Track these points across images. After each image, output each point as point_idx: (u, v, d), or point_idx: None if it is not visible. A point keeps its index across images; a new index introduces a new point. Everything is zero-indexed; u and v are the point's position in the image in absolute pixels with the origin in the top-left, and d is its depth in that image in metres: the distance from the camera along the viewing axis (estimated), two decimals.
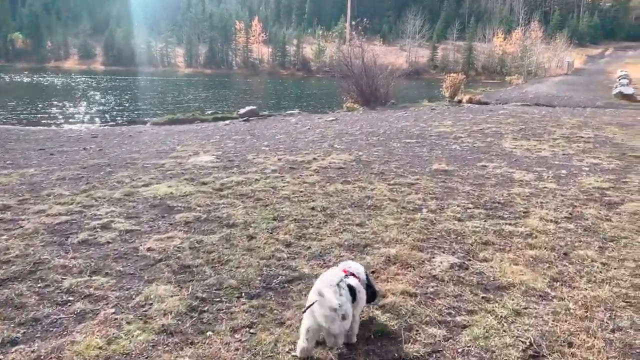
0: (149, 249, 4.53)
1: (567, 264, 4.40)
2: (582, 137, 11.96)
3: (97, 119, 21.10)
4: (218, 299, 3.66)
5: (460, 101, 27.80)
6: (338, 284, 2.96)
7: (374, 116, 17.52)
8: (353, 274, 3.20)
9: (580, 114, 18.39)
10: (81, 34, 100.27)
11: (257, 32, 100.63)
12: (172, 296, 3.67)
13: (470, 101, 27.26)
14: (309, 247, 4.66)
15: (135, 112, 23.58)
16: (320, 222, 5.38)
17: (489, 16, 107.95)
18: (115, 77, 48.97)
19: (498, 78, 50.78)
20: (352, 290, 3.04)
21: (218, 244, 4.68)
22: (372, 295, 3.29)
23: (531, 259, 4.47)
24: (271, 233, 5.00)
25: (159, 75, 53.78)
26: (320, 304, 2.83)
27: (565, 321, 3.41)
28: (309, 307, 2.90)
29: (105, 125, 18.53)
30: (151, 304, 3.57)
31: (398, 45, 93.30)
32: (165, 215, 5.56)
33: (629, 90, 28.87)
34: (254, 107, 19.09)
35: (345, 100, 23.68)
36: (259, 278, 3.98)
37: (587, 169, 8.39)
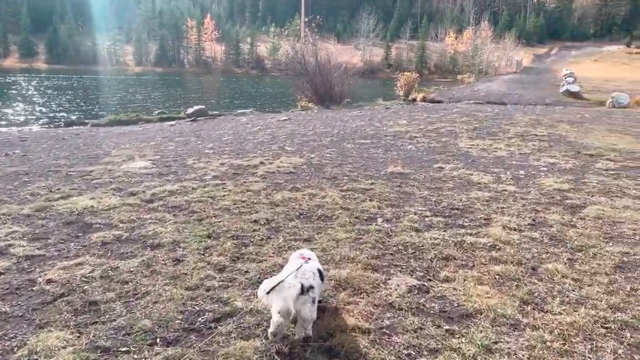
0: (48, 281, 3.72)
1: (536, 281, 3.91)
2: (536, 135, 11.81)
3: (32, 121, 19.51)
4: (125, 348, 2.92)
5: (414, 100, 27.74)
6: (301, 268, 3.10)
7: (328, 115, 16.96)
8: (310, 259, 3.35)
9: (532, 111, 18.51)
10: (22, 31, 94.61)
11: (210, 30, 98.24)
12: (65, 347, 2.90)
13: (424, 100, 27.23)
14: (246, 272, 3.97)
15: (77, 113, 22.06)
16: (262, 239, 4.70)
17: (441, 16, 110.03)
18: (59, 75, 46.32)
19: (450, 77, 51.51)
20: (320, 273, 3.23)
21: (136, 271, 3.92)
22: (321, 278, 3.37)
23: (497, 277, 3.96)
24: (203, 254, 4.28)
25: (107, 74, 51.35)
26: (289, 286, 2.90)
27: (543, 358, 2.89)
28: (274, 287, 2.90)
29: (41, 127, 17.08)
30: None
31: (352, 44, 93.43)
32: (80, 235, 4.73)
33: (574, 88, 29.65)
34: (202, 106, 18.13)
35: (300, 99, 23.05)
36: (180, 317, 3.26)
37: (544, 169, 8.09)
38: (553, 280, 3.93)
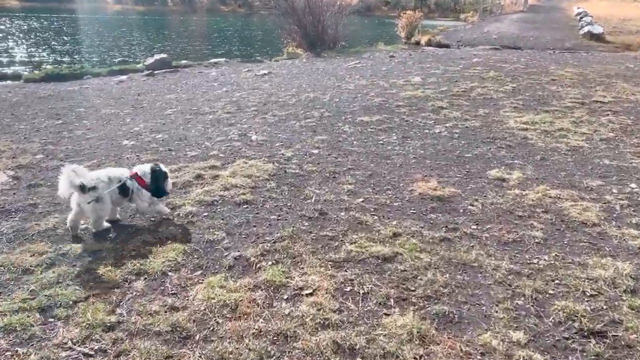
0: None
1: None
2: (602, 103, 8.29)
3: None
4: None
5: (418, 43, 23.57)
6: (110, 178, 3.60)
7: (319, 68, 13.17)
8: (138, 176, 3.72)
9: (563, 60, 14.74)
10: None
11: None
12: None
13: (429, 43, 23.01)
14: None
15: (23, 62, 17.98)
16: None
17: None
18: (29, 15, 40.94)
19: (452, 15, 46.31)
20: (124, 189, 3.64)
21: None
22: (157, 190, 3.79)
23: None
24: None
25: (84, 13, 45.74)
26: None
27: None
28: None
29: None
30: None
31: None
32: None
33: (597, 30, 25.45)
34: (165, 55, 14.23)
35: (287, 44, 18.96)
36: None
37: None
38: None
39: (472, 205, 4.09)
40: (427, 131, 6.41)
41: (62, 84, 11.57)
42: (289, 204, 4.03)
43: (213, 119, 7.03)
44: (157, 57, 14.27)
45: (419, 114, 7.30)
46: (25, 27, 30.06)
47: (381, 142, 5.92)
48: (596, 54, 18.65)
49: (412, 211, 3.97)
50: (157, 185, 3.76)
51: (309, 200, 4.10)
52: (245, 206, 3.93)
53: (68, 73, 13.03)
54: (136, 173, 3.69)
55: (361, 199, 4.16)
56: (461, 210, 4.01)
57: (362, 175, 4.77)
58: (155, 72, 12.88)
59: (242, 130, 6.35)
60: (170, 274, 3.03)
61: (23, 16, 38.07)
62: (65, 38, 25.19)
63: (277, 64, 14.81)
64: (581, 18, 32.20)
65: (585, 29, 26.40)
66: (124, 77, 12.33)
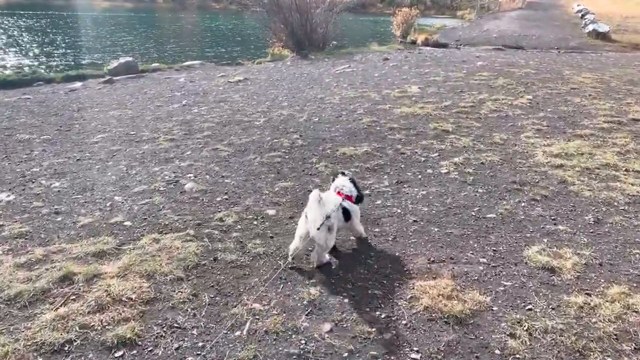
0: None
1: None
2: (638, 120, 6.58)
3: None
4: None
5: (414, 42, 21.80)
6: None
7: (303, 72, 11.40)
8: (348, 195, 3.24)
9: (576, 63, 12.99)
10: None
11: None
12: None
13: (426, 43, 21.18)
14: None
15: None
16: None
17: None
18: (14, 12, 38.89)
19: (448, 13, 44.47)
20: (345, 212, 3.14)
21: None
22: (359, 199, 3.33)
23: None
24: None
25: (71, 10, 43.62)
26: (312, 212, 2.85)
27: None
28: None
29: None
30: None
31: None
32: None
33: (603, 28, 23.69)
34: (130, 58, 12.41)
35: (272, 44, 17.15)
36: None
37: None
38: None
39: (513, 337, 2.37)
40: (430, 171, 4.68)
41: (6, 93, 9.77)
42: (205, 338, 2.30)
43: (147, 150, 5.25)
44: (122, 60, 12.45)
45: (418, 141, 5.55)
46: (6, 25, 28.06)
47: (367, 191, 4.18)
48: (607, 55, 16.98)
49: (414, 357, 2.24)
50: (359, 194, 3.32)
51: (238, 332, 2.36)
52: (120, 353, 2.19)
53: (16, 79, 11.20)
54: (344, 192, 3.21)
55: (328, 327, 2.42)
56: (497, 352, 2.28)
57: (336, 267, 3.03)
58: (116, 78, 11.06)
59: (178, 171, 4.59)
60: None
61: (7, 13, 36.00)
62: (40, 38, 23.23)
63: (258, 67, 13.01)
64: (583, 16, 30.51)
65: (590, 27, 24.64)
66: (77, 85, 10.51)
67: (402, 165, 4.81)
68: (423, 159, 5.00)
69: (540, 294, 2.75)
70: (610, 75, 10.69)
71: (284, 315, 2.51)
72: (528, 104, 7.47)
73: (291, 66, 12.95)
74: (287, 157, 5.05)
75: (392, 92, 8.31)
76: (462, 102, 7.47)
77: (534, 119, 6.61)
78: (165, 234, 3.28)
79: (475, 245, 3.31)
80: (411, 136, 5.75)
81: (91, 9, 47.52)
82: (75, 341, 2.24)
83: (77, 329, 2.30)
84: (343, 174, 3.47)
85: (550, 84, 9.39)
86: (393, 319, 2.52)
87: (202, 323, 2.43)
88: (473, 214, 3.80)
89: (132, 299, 2.52)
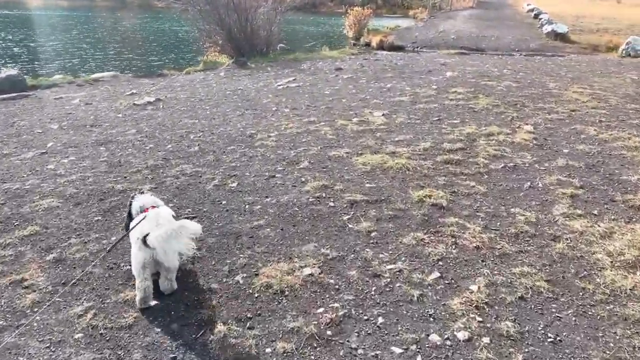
0: None
1: None
2: None
3: None
4: None
5: (368, 44, 19.57)
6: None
7: (238, 88, 8.83)
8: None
9: (552, 71, 11.06)
10: None
11: None
12: None
13: (381, 45, 18.91)
14: None
15: None
16: None
17: None
18: None
19: (400, 12, 42.81)
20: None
21: None
22: None
23: None
24: None
25: None
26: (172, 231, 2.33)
27: None
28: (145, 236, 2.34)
29: None
30: None
31: None
32: None
33: (562, 29, 22.32)
34: (14, 72, 9.35)
35: (207, 49, 14.39)
36: None
37: None
38: None
39: None
40: (435, 337, 2.32)
41: None
42: None
43: None
44: (4, 73, 9.42)
45: (398, 237, 3.18)
46: None
47: None
48: (574, 58, 15.36)
49: None
50: None
51: None
52: None
53: None
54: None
55: None
56: None
57: None
58: None
59: None
60: None
61: None
62: None
63: (183, 79, 10.29)
64: (537, 15, 29.45)
65: (548, 28, 23.24)
66: None
67: (379, 317, 2.41)
68: (415, 292, 2.62)
69: None
70: (599, 88, 8.80)
71: None
72: (534, 142, 5.29)
73: (224, 78, 10.34)
74: (148, 315, 2.54)
75: (349, 124, 5.92)
76: (446, 142, 5.18)
77: (555, 171, 4.41)
78: None
79: None
80: (385, 222, 3.37)
81: (22, 6, 42.34)
82: None
83: None
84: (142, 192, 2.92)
85: (542, 103, 7.32)
86: None
87: None
88: None
89: None
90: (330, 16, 35.45)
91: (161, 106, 7.42)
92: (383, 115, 6.37)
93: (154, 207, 2.72)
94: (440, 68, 10.94)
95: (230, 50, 13.69)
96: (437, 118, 6.25)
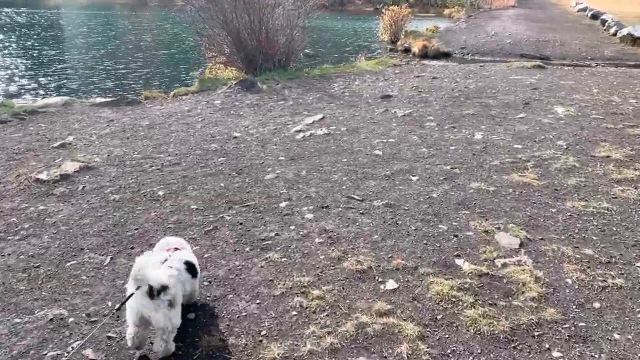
0: None
1: None
2: None
3: None
4: None
5: (408, 50, 15.74)
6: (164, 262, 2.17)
7: (230, 137, 5.35)
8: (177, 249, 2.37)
9: None
10: None
11: None
12: None
13: (425, 52, 14.98)
14: None
15: None
16: None
17: None
18: None
19: (433, 11, 38.43)
20: (190, 266, 2.26)
21: None
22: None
23: None
24: None
25: (20, 7, 35.86)
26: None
27: None
28: (126, 300, 2.01)
29: None
30: None
31: None
32: None
33: (638, 32, 17.96)
34: None
35: (211, 59, 10.82)
36: None
37: None
38: None
39: None
40: None
41: None
42: None
43: None
44: None
45: None
46: None
47: None
48: None
49: None
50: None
51: None
52: None
53: None
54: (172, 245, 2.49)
55: None
56: None
57: None
58: None
59: None
60: None
61: None
62: None
63: (159, 112, 6.80)
64: (595, 16, 25.18)
65: (624, 31, 18.87)
66: None
67: None
68: None
69: None
70: None
71: None
72: None
73: (220, 110, 6.80)
74: None
75: (451, 286, 2.34)
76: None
77: None
78: None
79: None
80: None
81: (44, 5, 39.77)
82: None
83: None
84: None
85: None
86: None
87: None
88: None
89: None
90: (358, 15, 31.58)
91: (79, 187, 3.95)
92: (521, 246, 2.74)
93: (176, 248, 2.32)
94: (534, 95, 7.17)
95: (239, 61, 10.15)
96: (634, 243, 2.61)
